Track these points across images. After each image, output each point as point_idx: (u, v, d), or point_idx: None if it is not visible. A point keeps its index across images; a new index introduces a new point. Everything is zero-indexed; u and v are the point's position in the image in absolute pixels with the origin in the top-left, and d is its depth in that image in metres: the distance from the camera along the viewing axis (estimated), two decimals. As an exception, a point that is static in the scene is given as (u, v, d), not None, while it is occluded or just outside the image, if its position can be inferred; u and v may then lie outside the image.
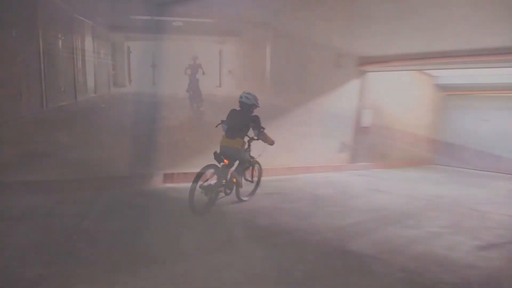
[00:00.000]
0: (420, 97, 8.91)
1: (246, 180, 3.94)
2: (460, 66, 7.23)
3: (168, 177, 5.10)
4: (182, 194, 3.77)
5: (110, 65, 22.26)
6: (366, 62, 11.00)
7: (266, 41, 15.66)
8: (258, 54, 13.12)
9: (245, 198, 3.90)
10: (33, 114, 9.71)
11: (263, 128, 3.75)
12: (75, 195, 4.02)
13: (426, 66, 8.07)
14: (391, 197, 4.33)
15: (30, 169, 4.80)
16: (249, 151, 3.78)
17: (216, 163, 3.63)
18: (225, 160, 3.64)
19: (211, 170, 3.62)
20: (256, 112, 4.00)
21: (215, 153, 3.64)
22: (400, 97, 9.48)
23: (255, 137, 3.72)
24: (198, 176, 3.63)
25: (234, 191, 3.90)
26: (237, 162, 3.79)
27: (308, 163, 7.01)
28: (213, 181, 3.70)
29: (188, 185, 3.72)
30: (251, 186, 4.17)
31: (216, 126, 3.83)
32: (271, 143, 3.77)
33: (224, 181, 3.68)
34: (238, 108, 3.93)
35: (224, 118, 4.63)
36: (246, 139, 3.78)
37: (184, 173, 4.95)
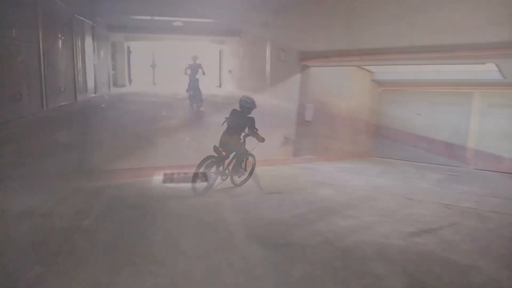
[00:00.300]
0: (359, 92, 9.03)
1: (241, 169, 4.59)
2: (394, 63, 7.48)
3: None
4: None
5: (110, 65, 22.25)
6: (307, 57, 11.30)
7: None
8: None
9: (238, 183, 4.53)
10: (33, 114, 9.73)
11: (256, 129, 4.37)
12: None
13: (363, 62, 8.37)
14: (332, 188, 4.39)
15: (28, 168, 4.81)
16: (244, 145, 4.50)
17: (215, 154, 4.30)
18: (223, 152, 4.33)
19: (211, 160, 4.31)
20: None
21: (214, 146, 4.35)
22: (341, 91, 9.77)
23: (249, 135, 4.25)
24: (200, 165, 4.30)
25: (229, 177, 4.51)
26: (233, 154, 4.42)
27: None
28: (212, 169, 4.38)
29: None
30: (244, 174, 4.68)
31: (222, 124, 4.54)
32: (262, 140, 4.43)
33: (220, 169, 4.38)
34: (239, 108, 4.47)
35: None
36: (242, 135, 4.44)
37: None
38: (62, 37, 12.21)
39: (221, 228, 3.08)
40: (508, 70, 5.63)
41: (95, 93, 16.24)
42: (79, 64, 13.94)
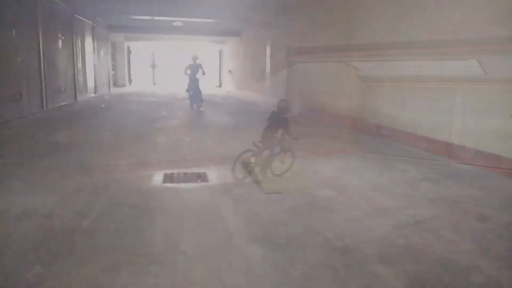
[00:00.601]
0: (346, 87, 9.07)
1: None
2: (379, 59, 7.59)
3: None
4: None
5: (110, 65, 22.29)
6: (294, 53, 11.51)
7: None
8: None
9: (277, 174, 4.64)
10: (33, 114, 9.75)
11: (289, 129, 4.78)
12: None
13: (348, 58, 8.49)
14: (317, 183, 4.41)
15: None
16: (283, 141, 4.75)
17: (254, 148, 4.57)
18: (261, 147, 4.59)
19: (249, 153, 4.58)
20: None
21: (253, 142, 4.64)
22: (328, 86, 9.86)
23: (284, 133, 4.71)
24: (239, 156, 4.54)
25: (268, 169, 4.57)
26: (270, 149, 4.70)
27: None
28: (250, 160, 4.62)
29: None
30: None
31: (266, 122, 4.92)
32: (293, 138, 4.77)
33: (260, 161, 4.60)
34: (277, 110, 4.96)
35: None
36: (279, 132, 4.77)
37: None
38: (62, 37, 12.26)
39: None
40: (489, 66, 5.62)
41: (95, 93, 16.37)
42: (79, 64, 14.03)
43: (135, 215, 3.36)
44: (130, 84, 25.92)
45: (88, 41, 15.45)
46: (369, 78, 7.99)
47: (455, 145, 5.61)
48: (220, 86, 26.98)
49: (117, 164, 5.12)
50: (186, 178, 4.51)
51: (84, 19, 14.58)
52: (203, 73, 12.86)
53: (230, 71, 24.02)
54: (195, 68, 12.62)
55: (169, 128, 8.26)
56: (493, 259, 2.63)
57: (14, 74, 9.03)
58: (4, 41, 8.58)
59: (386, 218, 3.38)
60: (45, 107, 10.59)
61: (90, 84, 15.75)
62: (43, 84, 10.52)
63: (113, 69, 22.39)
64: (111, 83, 20.66)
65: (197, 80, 12.61)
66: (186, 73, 12.75)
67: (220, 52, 26.95)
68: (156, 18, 15.81)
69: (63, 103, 12.05)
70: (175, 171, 4.78)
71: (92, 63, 15.94)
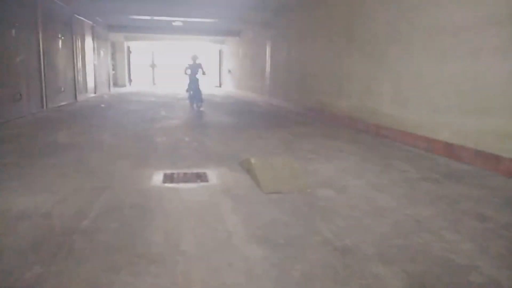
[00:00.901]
0: (345, 87, 9.06)
1: None
2: (378, 58, 7.57)
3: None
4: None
5: (110, 65, 22.34)
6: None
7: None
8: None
9: None
10: (33, 114, 9.75)
11: None
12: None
13: (349, 57, 8.41)
14: (317, 183, 4.42)
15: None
16: None
17: None
18: None
19: None
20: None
21: None
22: (328, 87, 9.81)
23: None
24: None
25: None
26: None
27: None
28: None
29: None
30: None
31: None
32: None
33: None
34: None
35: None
36: None
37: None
38: (62, 37, 12.28)
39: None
40: (487, 65, 5.63)
41: (95, 93, 16.39)
42: (79, 64, 14.05)
43: (135, 215, 3.36)
44: (130, 84, 25.93)
45: (88, 41, 15.46)
46: (368, 77, 8.00)
47: (454, 144, 5.62)
48: (219, 86, 27.00)
49: (117, 164, 5.13)
50: (186, 178, 4.51)
51: (84, 19, 14.59)
52: (203, 73, 12.76)
53: (229, 71, 24.04)
54: (195, 68, 12.51)
55: (168, 128, 8.26)
56: (492, 259, 2.63)
57: (13, 74, 9.03)
58: (3, 41, 8.58)
59: (386, 218, 3.38)
60: (45, 107, 10.60)
61: (90, 84, 15.75)
62: (43, 84, 10.53)
63: (113, 69, 22.40)
64: (111, 83, 20.66)
65: (197, 80, 12.52)
66: (186, 73, 12.62)
67: (220, 52, 26.97)
68: (156, 18, 15.82)
69: (63, 103, 12.06)
70: (175, 171, 4.79)
71: (92, 63, 15.95)
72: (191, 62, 12.55)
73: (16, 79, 9.15)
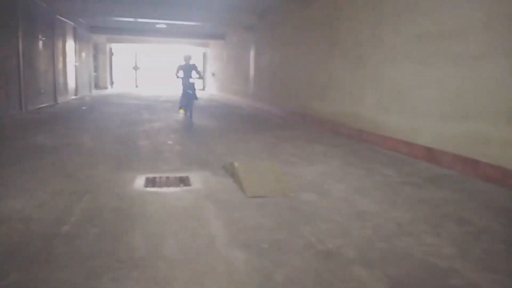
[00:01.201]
0: (328, 92, 9.26)
1: None
2: (361, 64, 7.66)
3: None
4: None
5: (91, 67, 22.04)
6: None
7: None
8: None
9: None
10: (11, 116, 9.52)
11: None
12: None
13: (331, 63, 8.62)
14: (300, 187, 4.45)
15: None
16: None
17: None
18: None
19: None
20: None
21: None
22: (311, 91, 9.94)
23: None
24: None
25: None
26: None
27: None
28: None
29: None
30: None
31: None
32: None
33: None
34: None
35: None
36: None
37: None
38: (43, 38, 12.05)
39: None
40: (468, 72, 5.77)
41: (76, 95, 16.13)
42: (60, 66, 13.82)
43: (116, 219, 3.31)
44: (112, 86, 25.62)
45: (70, 42, 15.22)
46: (350, 83, 8.09)
47: (434, 149, 5.72)
48: (203, 89, 26.92)
49: (98, 168, 5.05)
50: (169, 182, 4.47)
51: (65, 20, 14.36)
52: (199, 76, 10.83)
53: (213, 74, 24.00)
54: (188, 70, 10.56)
55: (151, 131, 8.18)
56: (472, 263, 2.68)
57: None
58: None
59: (368, 222, 3.41)
60: (23, 109, 10.37)
61: (71, 85, 15.50)
62: (22, 86, 10.30)
63: (95, 71, 22.09)
64: (93, 85, 20.37)
65: (192, 84, 10.47)
66: (177, 76, 10.49)
67: (204, 55, 26.93)
68: (139, 20, 15.69)
69: (42, 105, 11.82)
70: (157, 175, 4.74)
71: (73, 64, 15.70)
72: (183, 63, 10.52)
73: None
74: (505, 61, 4.62)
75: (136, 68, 28.39)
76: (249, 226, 3.23)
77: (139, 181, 4.45)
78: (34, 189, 4.06)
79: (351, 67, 8.06)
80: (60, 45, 13.85)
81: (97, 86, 22.64)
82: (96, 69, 22.70)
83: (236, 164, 4.55)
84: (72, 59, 15.50)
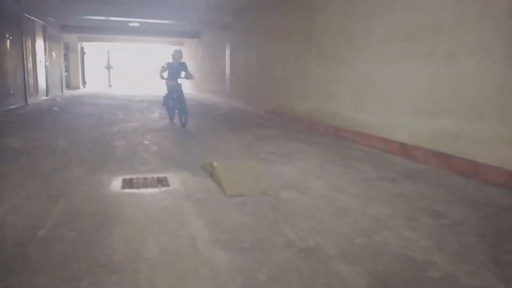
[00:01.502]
0: (305, 91, 9.42)
1: None
2: (336, 63, 7.79)
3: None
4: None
5: (62, 67, 21.46)
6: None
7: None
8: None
9: None
10: (-21, 118, 9.17)
11: None
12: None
13: (307, 62, 8.69)
14: (280, 185, 4.49)
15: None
16: None
17: None
18: None
19: None
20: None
21: None
22: (289, 90, 10.11)
23: None
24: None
25: None
26: None
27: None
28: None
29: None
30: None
31: None
32: None
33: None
34: None
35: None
36: None
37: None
38: (10, 37, 11.65)
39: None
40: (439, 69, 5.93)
41: (47, 95, 15.70)
42: (30, 66, 13.41)
43: (94, 223, 3.24)
44: (84, 86, 25.05)
45: (39, 41, 14.78)
46: (327, 81, 8.18)
47: (409, 145, 5.85)
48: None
49: (73, 170, 4.93)
50: (146, 183, 4.41)
51: (34, 18, 13.94)
52: (190, 77, 9.20)
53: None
54: (176, 70, 9.05)
55: (126, 132, 8.05)
56: (448, 255, 2.76)
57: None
58: None
59: (347, 218, 3.46)
60: (-9, 111, 10.01)
61: (42, 86, 15.07)
62: (-11, 87, 9.93)
63: (66, 71, 21.54)
64: (64, 85, 19.87)
65: (180, 86, 9.08)
66: (162, 77, 9.08)
67: (164, 63, 26.62)
68: (111, 18, 15.38)
69: (12, 107, 11.44)
70: (134, 176, 4.67)
71: (43, 64, 15.26)
72: (170, 61, 9.08)
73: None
74: (476, 59, 4.77)
75: (109, 67, 27.85)
76: (230, 226, 3.22)
77: (116, 183, 4.37)
78: (7, 193, 3.93)
79: (327, 65, 8.15)
80: (29, 44, 13.42)
81: (68, 86, 22.09)
82: (67, 69, 22.14)
83: (215, 164, 4.53)
84: (42, 59, 15.06)
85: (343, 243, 2.94)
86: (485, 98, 4.67)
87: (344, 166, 5.39)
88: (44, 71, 15.38)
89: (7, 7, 11.32)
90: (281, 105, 10.51)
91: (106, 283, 2.32)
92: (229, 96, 15.14)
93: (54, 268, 2.49)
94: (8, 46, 11.44)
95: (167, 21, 16.07)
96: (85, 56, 25.64)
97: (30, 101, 13.10)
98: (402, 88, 6.02)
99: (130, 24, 17.59)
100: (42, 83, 15.06)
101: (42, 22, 14.91)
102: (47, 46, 15.73)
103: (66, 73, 21.58)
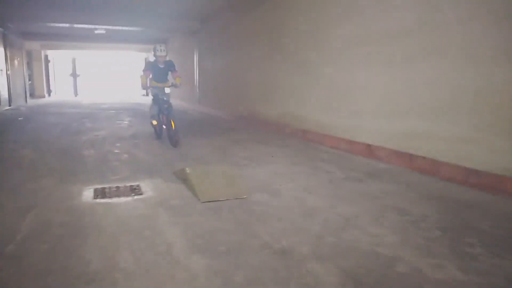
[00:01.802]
0: (274, 95, 9.72)
1: None
2: (303, 67, 8.04)
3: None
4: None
5: (25, 75, 20.76)
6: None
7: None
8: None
9: None
10: None
11: None
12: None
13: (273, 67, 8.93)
14: (252, 188, 4.61)
15: None
16: None
17: None
18: None
19: None
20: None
21: None
22: (259, 95, 10.29)
23: None
24: None
25: None
26: None
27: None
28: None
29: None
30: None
31: None
32: None
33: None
34: None
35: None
36: None
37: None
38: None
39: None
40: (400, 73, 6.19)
41: (9, 105, 15.16)
42: (-11, 75, 12.89)
43: (66, 234, 3.22)
44: (49, 95, 24.34)
45: (-1, 49, 14.31)
46: (293, 85, 8.35)
47: (373, 145, 6.07)
48: (147, 95, 26.34)
49: (42, 181, 4.84)
50: (119, 192, 4.39)
51: (-6, 26, 13.48)
52: (175, 82, 7.60)
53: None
54: (161, 71, 7.45)
55: (95, 141, 7.93)
56: (413, 249, 2.91)
57: None
58: None
59: (317, 218, 3.58)
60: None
61: (4, 95, 14.58)
62: None
63: (30, 80, 20.88)
64: (28, 94, 19.26)
65: (167, 94, 7.42)
66: (144, 86, 7.66)
67: (146, 60, 26.35)
68: (76, 25, 15.07)
69: (-29, 118, 11.00)
70: (106, 185, 4.64)
71: (4, 73, 14.76)
72: (151, 59, 7.48)
73: None
74: (431, 62, 5.03)
75: (74, 75, 27.16)
76: (205, 231, 3.27)
77: (88, 193, 4.33)
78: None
79: (294, 70, 8.32)
80: (-12, 53, 12.96)
81: (33, 95, 21.41)
82: (30, 77, 21.47)
83: (188, 170, 4.56)
84: (3, 67, 14.56)
85: (315, 242, 3.05)
86: (440, 99, 4.92)
87: (313, 168, 5.54)
88: (6, 80, 14.88)
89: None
90: (250, 110, 10.61)
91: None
92: (199, 102, 15.13)
93: (27, 284, 2.46)
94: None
95: (134, 28, 15.90)
96: (49, 64, 24.92)
97: (-9, 111, 12.63)
98: (365, 92, 6.25)
99: (96, 32, 17.28)
100: (4, 93, 14.57)
101: (2, 29, 14.43)
102: (8, 54, 15.22)
103: (30, 82, 20.92)
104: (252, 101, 10.48)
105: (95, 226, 3.41)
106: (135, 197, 4.23)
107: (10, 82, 15.34)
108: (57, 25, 14.88)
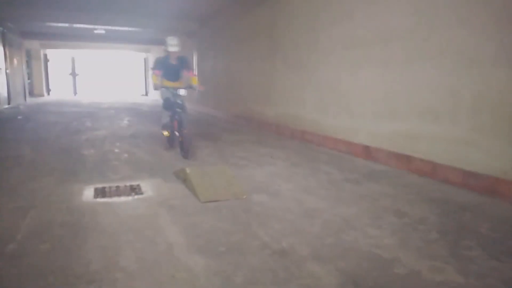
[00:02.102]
0: (272, 96, 9.76)
1: None
2: (301, 69, 8.06)
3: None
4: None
5: (25, 74, 20.78)
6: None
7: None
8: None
9: None
10: None
11: None
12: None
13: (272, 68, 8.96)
14: (251, 189, 4.63)
15: None
16: None
17: None
18: None
19: None
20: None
21: None
22: (257, 95, 10.36)
23: None
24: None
25: None
26: None
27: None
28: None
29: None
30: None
31: None
32: None
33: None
34: None
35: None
36: None
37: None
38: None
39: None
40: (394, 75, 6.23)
41: (9, 103, 15.15)
42: (-11, 74, 12.88)
43: (67, 234, 3.23)
44: (48, 94, 24.35)
45: (-1, 48, 14.31)
46: (292, 86, 8.37)
47: (371, 147, 6.10)
48: (146, 94, 26.37)
49: (42, 180, 4.85)
50: (119, 191, 4.40)
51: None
52: (191, 84, 6.49)
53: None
54: (174, 68, 6.48)
55: (95, 140, 7.94)
56: (412, 251, 2.93)
57: None
58: None
59: (316, 219, 3.60)
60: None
61: (3, 94, 14.58)
62: None
63: (29, 78, 20.87)
64: (27, 93, 19.25)
65: (180, 97, 6.25)
66: (156, 86, 6.35)
67: (145, 60, 26.39)
68: (75, 25, 15.07)
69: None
70: (106, 184, 4.65)
71: (3, 71, 14.76)
72: (161, 55, 6.52)
73: None
74: (429, 64, 5.05)
75: (74, 74, 27.15)
76: (205, 231, 3.29)
77: (88, 193, 4.35)
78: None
79: (292, 71, 8.35)
80: (-12, 51, 12.96)
81: (32, 94, 21.40)
82: (30, 76, 21.46)
83: (188, 170, 4.58)
84: (2, 66, 14.56)
85: (314, 243, 3.07)
86: (438, 101, 4.94)
87: (311, 169, 5.56)
88: (5, 79, 14.88)
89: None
90: (249, 110, 10.64)
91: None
92: (197, 102, 15.14)
93: (27, 284, 2.47)
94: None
95: (133, 28, 15.90)
96: (48, 63, 24.92)
97: (-10, 110, 12.63)
98: (363, 93, 6.28)
99: (95, 31, 17.28)
100: (3, 91, 14.57)
101: (1, 28, 14.43)
102: (7, 53, 15.22)
103: (29, 81, 20.91)
104: (251, 102, 10.50)
105: (96, 225, 3.42)
106: (135, 196, 4.25)
107: (10, 81, 15.34)
108: (56, 24, 14.88)
